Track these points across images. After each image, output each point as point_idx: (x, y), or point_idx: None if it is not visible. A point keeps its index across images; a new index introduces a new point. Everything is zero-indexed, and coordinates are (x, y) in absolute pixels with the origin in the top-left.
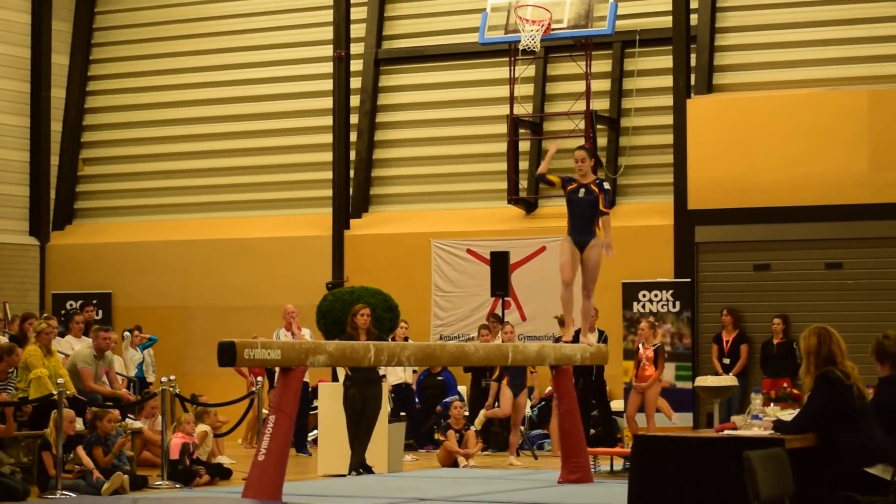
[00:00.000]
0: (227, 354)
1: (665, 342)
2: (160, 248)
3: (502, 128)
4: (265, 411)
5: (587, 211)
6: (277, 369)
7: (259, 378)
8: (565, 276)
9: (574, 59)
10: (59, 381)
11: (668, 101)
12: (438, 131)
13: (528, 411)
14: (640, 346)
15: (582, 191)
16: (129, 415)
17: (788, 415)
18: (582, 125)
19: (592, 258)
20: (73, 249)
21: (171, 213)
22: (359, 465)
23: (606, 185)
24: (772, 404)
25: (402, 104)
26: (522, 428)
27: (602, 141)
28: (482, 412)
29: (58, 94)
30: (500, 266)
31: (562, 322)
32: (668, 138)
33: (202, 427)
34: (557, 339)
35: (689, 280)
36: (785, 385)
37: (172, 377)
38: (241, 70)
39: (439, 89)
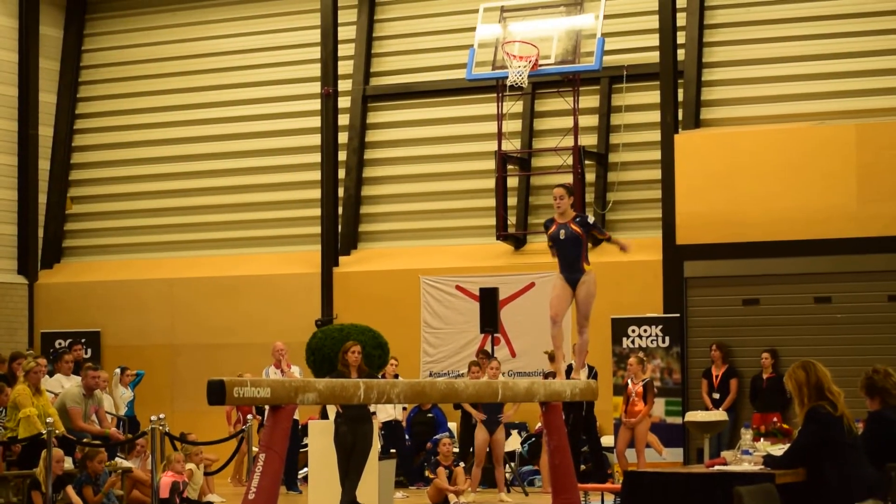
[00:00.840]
0: (217, 393)
1: (654, 377)
2: (148, 287)
3: (490, 164)
4: (255, 449)
5: (571, 250)
6: (267, 407)
7: (248, 416)
8: (553, 311)
9: (562, 95)
10: (49, 420)
11: (655, 136)
12: (427, 168)
13: (518, 447)
14: (630, 381)
15: (562, 232)
16: (118, 454)
17: (779, 450)
18: (570, 161)
19: (583, 294)
20: (62, 288)
21: (159, 252)
22: (349, 503)
23: (590, 219)
24: (762, 439)
25: (390, 141)
26: (512, 465)
27: (590, 176)
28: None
29: (45, 132)
30: (489, 302)
31: (552, 357)
32: (657, 173)
33: (189, 466)
34: (547, 375)
35: (678, 315)
36: (775, 420)
37: (162, 415)
38: (228, 108)
39: (427, 126)
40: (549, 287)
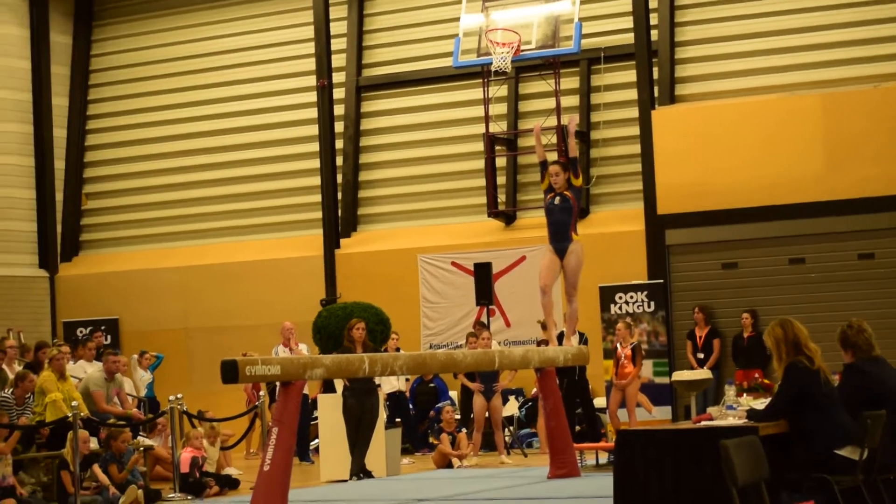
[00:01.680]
0: (230, 372)
1: (642, 341)
2: (161, 275)
3: (479, 146)
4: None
5: (562, 216)
6: (278, 383)
7: (261, 392)
8: (542, 282)
9: (543, 78)
10: (73, 403)
11: (633, 113)
12: (419, 152)
13: (515, 412)
14: (619, 345)
15: (558, 199)
16: (140, 433)
17: (761, 404)
18: (554, 140)
19: (571, 263)
20: (81, 279)
21: (170, 241)
22: (359, 471)
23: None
24: (744, 395)
25: (383, 128)
26: (511, 428)
27: (574, 152)
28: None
29: (59, 134)
30: (483, 276)
31: (544, 326)
32: (636, 148)
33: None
34: (541, 343)
35: (661, 281)
36: (756, 376)
37: (179, 395)
38: (229, 103)
39: (418, 112)
40: (539, 260)
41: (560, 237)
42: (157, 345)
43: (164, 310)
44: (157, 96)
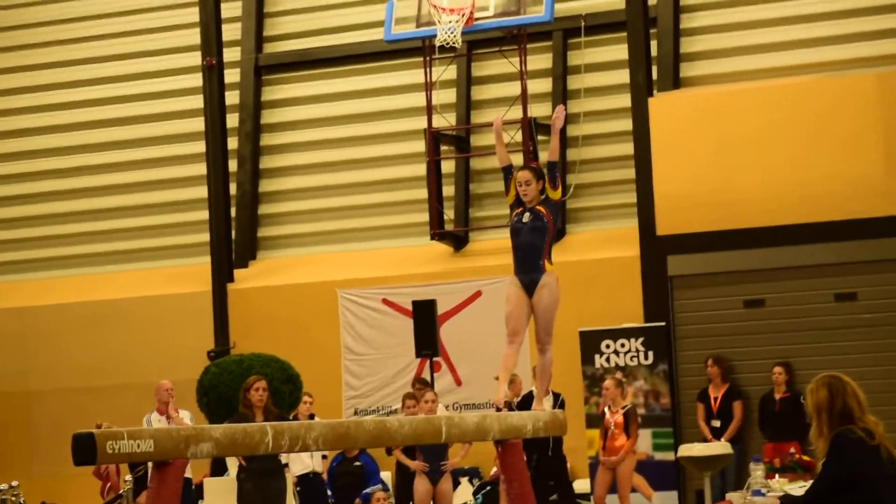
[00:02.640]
0: (85, 449)
1: (637, 403)
2: None
3: (420, 145)
4: None
5: (535, 240)
6: (150, 465)
7: (126, 478)
8: (511, 327)
9: (505, 56)
10: None
11: (625, 101)
12: (340, 154)
13: (469, 500)
14: (607, 409)
15: (527, 216)
16: None
17: (799, 488)
18: (519, 137)
19: (544, 300)
20: None
21: (5, 273)
22: None
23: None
24: (777, 475)
25: (292, 122)
26: None
27: (545, 155)
28: None
29: None
30: (425, 319)
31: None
32: (628, 148)
33: None
34: (506, 406)
35: (663, 324)
36: (792, 451)
37: (14, 483)
38: (86, 89)
39: (338, 101)
40: (499, 296)
41: (529, 266)
42: None
43: None
44: None
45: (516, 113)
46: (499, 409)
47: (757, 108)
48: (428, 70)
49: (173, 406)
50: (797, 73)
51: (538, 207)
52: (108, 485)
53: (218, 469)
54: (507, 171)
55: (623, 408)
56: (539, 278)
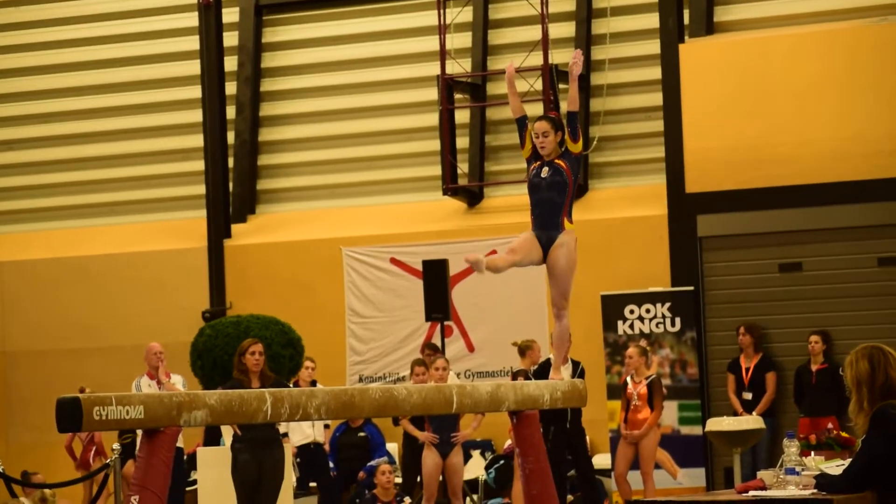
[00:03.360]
0: (71, 415)
1: (662, 373)
2: None
3: (432, 93)
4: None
5: (554, 196)
6: (140, 433)
7: (114, 447)
8: (513, 248)
9: None
10: None
11: (653, 47)
12: (345, 101)
13: (482, 474)
14: (629, 379)
15: (546, 170)
16: None
17: (836, 466)
18: (539, 85)
19: (561, 261)
20: None
21: None
22: None
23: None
24: (812, 453)
25: (294, 66)
26: (475, 497)
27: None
28: None
29: None
30: (436, 279)
31: (522, 350)
32: (657, 98)
33: None
34: (517, 375)
35: (691, 288)
36: (829, 426)
37: None
38: (71, 27)
39: (344, 44)
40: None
41: (547, 223)
42: None
43: None
44: None
45: (536, 59)
46: (515, 377)
47: (796, 57)
48: (441, 11)
49: (164, 370)
50: (840, 19)
51: (557, 161)
52: (92, 451)
53: (212, 438)
54: (522, 123)
55: (647, 378)
56: (556, 236)
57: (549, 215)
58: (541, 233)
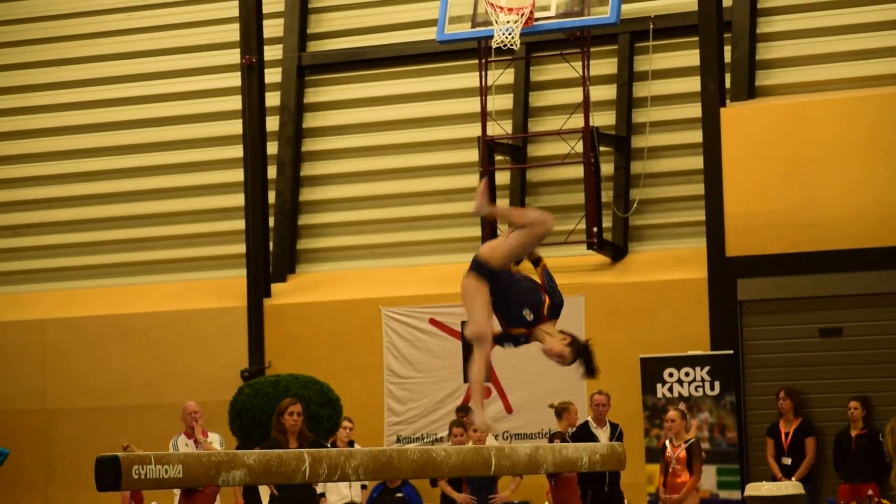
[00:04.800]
0: (110, 473)
1: (701, 437)
2: (10, 332)
3: (473, 154)
4: None
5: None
6: (178, 492)
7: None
8: (478, 327)
9: (566, 59)
10: None
11: (695, 111)
12: (386, 162)
13: None
14: (668, 443)
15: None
16: None
17: None
18: (579, 147)
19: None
20: None
21: (23, 283)
22: None
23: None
24: None
25: (336, 126)
26: None
27: (607, 168)
28: None
29: None
30: None
31: (559, 412)
32: (697, 161)
33: None
34: (553, 437)
35: (731, 352)
36: (870, 493)
37: None
38: (114, 87)
39: (386, 105)
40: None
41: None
42: (3, 433)
43: (14, 382)
44: (12, 73)
45: (577, 122)
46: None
47: (837, 121)
48: (483, 73)
49: (200, 429)
50: (881, 84)
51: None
52: None
53: (250, 499)
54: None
55: (686, 442)
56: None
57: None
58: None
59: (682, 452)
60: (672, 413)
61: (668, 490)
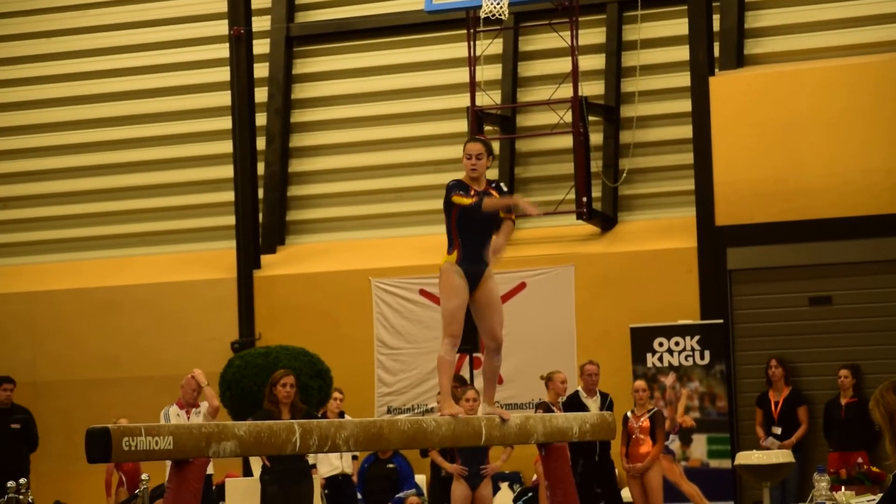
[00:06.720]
0: (100, 445)
1: (692, 406)
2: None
3: (462, 125)
4: None
5: (483, 227)
6: (169, 463)
7: (143, 477)
8: (454, 328)
9: (555, 29)
10: None
11: (683, 80)
12: (375, 133)
13: None
14: (630, 413)
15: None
16: None
17: (867, 502)
18: (568, 117)
19: (493, 294)
20: None
21: (12, 256)
22: None
23: (504, 187)
24: (843, 488)
25: (324, 98)
26: None
27: (597, 137)
28: None
29: None
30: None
31: (546, 382)
32: (686, 130)
33: None
34: (538, 408)
35: (720, 321)
36: (860, 461)
37: (22, 480)
38: (101, 59)
39: (374, 76)
40: (545, 287)
41: (476, 258)
42: None
43: (2, 355)
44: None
45: (566, 91)
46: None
47: (826, 89)
48: (472, 44)
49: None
50: (870, 51)
51: (491, 190)
52: (119, 480)
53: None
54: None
55: (649, 411)
56: (483, 270)
57: (477, 248)
58: (468, 266)
59: (645, 422)
60: (640, 382)
61: (630, 459)
